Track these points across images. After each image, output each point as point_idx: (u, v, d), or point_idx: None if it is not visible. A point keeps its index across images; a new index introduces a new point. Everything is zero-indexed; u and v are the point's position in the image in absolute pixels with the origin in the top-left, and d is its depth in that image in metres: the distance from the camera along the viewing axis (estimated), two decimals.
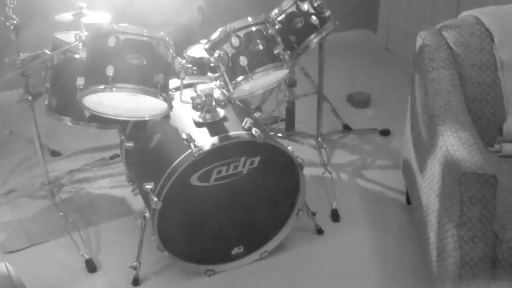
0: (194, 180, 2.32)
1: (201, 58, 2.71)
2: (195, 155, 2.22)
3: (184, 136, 2.32)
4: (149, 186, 2.31)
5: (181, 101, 2.40)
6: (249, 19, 2.39)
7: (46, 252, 2.72)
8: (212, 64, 2.42)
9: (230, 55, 2.36)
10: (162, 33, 2.25)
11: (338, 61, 4.53)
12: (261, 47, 2.38)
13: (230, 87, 2.38)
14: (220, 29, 2.37)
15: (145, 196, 2.40)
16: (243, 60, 2.34)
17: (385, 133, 3.60)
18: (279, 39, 2.46)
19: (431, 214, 2.23)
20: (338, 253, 2.69)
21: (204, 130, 2.39)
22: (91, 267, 2.60)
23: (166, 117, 2.43)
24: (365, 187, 3.14)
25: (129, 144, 2.58)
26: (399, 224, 2.85)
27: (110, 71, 2.15)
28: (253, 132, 2.32)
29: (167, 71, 2.28)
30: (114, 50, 2.17)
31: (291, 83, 3.31)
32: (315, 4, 2.74)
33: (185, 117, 2.48)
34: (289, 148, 2.44)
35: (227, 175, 2.38)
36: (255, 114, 2.63)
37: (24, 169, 3.33)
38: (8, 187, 3.15)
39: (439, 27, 2.59)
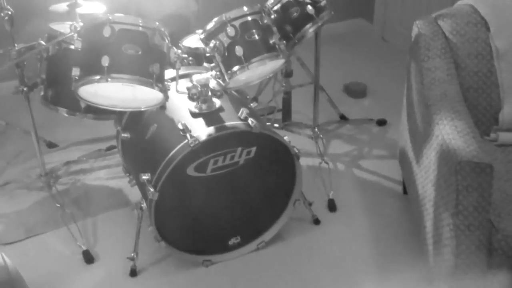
0: (191, 171, 2.32)
1: (197, 49, 2.71)
2: (191, 145, 2.22)
3: (180, 126, 2.32)
4: (145, 177, 2.31)
5: (177, 91, 2.40)
6: (245, 8, 2.38)
7: (43, 243, 2.72)
8: (207, 54, 2.42)
9: (225, 45, 2.36)
10: (157, 23, 2.24)
11: (334, 51, 4.52)
12: (256, 37, 2.37)
13: (226, 77, 2.38)
14: (215, 19, 2.37)
15: (142, 187, 2.40)
16: (238, 50, 2.34)
17: (381, 123, 3.60)
18: (274, 28, 2.46)
19: (427, 203, 2.24)
20: (335, 242, 2.70)
21: (200, 120, 2.39)
22: (88, 258, 2.60)
23: (162, 107, 2.42)
24: (362, 177, 3.14)
25: (125, 135, 2.58)
26: (395, 213, 2.86)
27: (105, 61, 2.14)
28: (250, 122, 2.32)
29: (162, 61, 2.27)
30: (109, 40, 2.17)
31: (287, 73, 3.30)
32: None
33: (181, 107, 2.47)
34: (285, 138, 2.43)
35: (223, 166, 2.38)
36: (252, 104, 2.62)
37: (20, 160, 3.32)
38: (5, 178, 3.14)
39: (435, 16, 2.58)
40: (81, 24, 2.28)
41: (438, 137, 2.11)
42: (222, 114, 2.42)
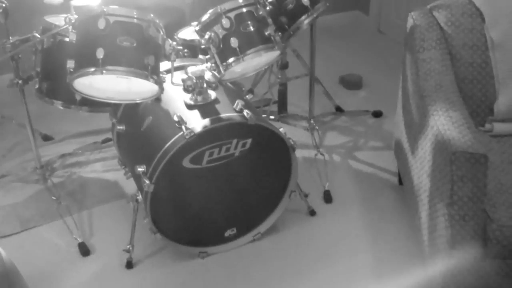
0: (186, 163, 2.32)
1: (192, 40, 2.71)
2: (187, 137, 2.22)
3: (175, 118, 2.31)
4: (141, 169, 2.31)
5: (172, 83, 2.40)
6: (240, 0, 2.38)
7: (39, 236, 2.72)
8: (203, 46, 2.41)
9: (220, 36, 2.36)
10: (152, 15, 2.23)
11: (330, 43, 4.52)
12: (252, 28, 2.37)
13: (221, 69, 2.38)
14: (210, 11, 2.36)
15: (138, 179, 2.40)
16: (234, 42, 2.33)
17: (377, 114, 3.60)
18: (270, 20, 2.45)
19: (423, 194, 2.24)
20: (331, 234, 2.71)
21: (196, 112, 2.39)
22: (84, 250, 2.61)
23: (157, 99, 2.42)
24: (357, 169, 3.15)
25: (121, 128, 2.57)
26: (391, 204, 2.87)
27: (100, 53, 2.13)
28: (245, 114, 2.32)
29: (157, 53, 2.27)
30: (104, 32, 2.16)
31: (283, 65, 3.30)
32: None
33: (176, 99, 2.47)
34: (281, 130, 2.43)
35: (219, 157, 2.38)
36: (247, 96, 2.62)
37: (16, 153, 3.32)
38: (0, 171, 3.14)
39: (430, 7, 2.58)
40: (76, 16, 2.27)
41: (433, 128, 2.11)
42: (217, 106, 2.42)
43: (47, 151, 3.24)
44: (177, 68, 2.45)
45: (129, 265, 2.53)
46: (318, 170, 3.07)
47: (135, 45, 2.18)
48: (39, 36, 2.55)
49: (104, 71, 2.14)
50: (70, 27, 2.26)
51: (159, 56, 2.29)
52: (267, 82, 3.39)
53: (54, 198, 2.84)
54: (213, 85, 2.49)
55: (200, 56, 2.68)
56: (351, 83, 3.95)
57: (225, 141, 2.35)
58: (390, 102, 3.26)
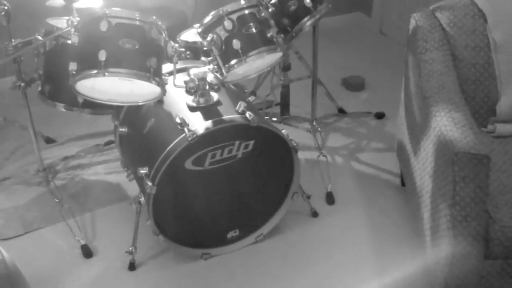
0: (189, 164, 2.32)
1: (194, 42, 2.71)
2: (189, 139, 2.22)
3: (178, 120, 2.32)
4: (143, 171, 2.31)
5: (175, 85, 2.40)
6: (242, 2, 2.38)
7: (41, 238, 2.73)
8: (205, 48, 2.41)
9: (223, 38, 2.35)
10: (154, 17, 2.24)
11: (332, 45, 4.52)
12: (254, 30, 2.37)
13: (223, 70, 2.38)
14: (212, 13, 2.36)
15: (140, 181, 2.40)
16: (236, 44, 2.33)
17: (379, 116, 3.60)
18: (272, 22, 2.45)
19: (425, 195, 2.24)
20: (333, 235, 2.70)
21: (198, 114, 2.39)
22: (87, 252, 2.61)
23: (160, 101, 2.42)
24: (360, 170, 3.15)
25: (123, 130, 2.57)
26: (393, 206, 2.86)
27: (102, 55, 2.14)
28: (247, 115, 2.32)
29: (160, 55, 2.27)
30: (106, 34, 2.16)
31: (285, 67, 3.30)
32: None
33: (178, 101, 2.47)
34: (283, 131, 2.43)
35: (221, 159, 2.38)
36: (250, 98, 2.62)
37: (18, 156, 3.32)
38: (3, 174, 3.14)
39: (433, 8, 2.58)
40: (78, 18, 2.27)
41: (435, 129, 2.11)
42: (219, 108, 2.42)
43: (49, 153, 3.24)
44: (180, 70, 2.45)
45: (132, 267, 2.53)
46: (321, 172, 3.07)
47: (137, 47, 2.18)
48: (41, 39, 2.56)
49: (106, 73, 2.14)
50: (72, 30, 2.26)
51: (162, 58, 2.29)
52: (270, 84, 3.38)
53: (57, 200, 2.84)
54: (216, 87, 2.49)
55: (203, 58, 2.68)
56: (354, 85, 3.94)
57: (227, 143, 2.35)
58: (393, 103, 3.26)
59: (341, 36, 4.75)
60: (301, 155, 3.08)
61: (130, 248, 2.52)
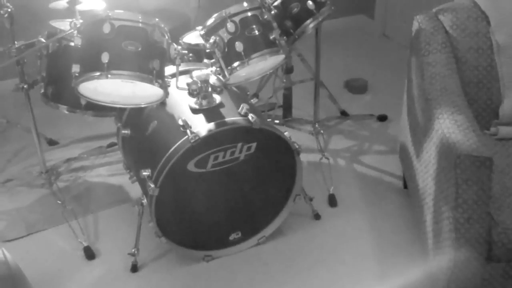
0: (191, 166, 2.32)
1: (197, 45, 2.71)
2: (192, 141, 2.22)
3: (180, 122, 2.32)
4: (146, 173, 2.31)
5: (177, 87, 2.40)
6: (245, 4, 2.38)
7: (44, 240, 2.73)
8: (208, 50, 2.42)
9: (225, 40, 2.36)
10: (157, 19, 2.24)
11: (335, 47, 4.52)
12: (257, 32, 2.37)
13: (226, 73, 2.38)
14: (215, 15, 2.37)
15: (142, 183, 2.41)
16: (239, 46, 2.34)
17: (382, 118, 3.60)
18: (275, 24, 2.45)
19: (427, 197, 2.24)
20: (335, 237, 2.70)
21: (201, 116, 2.39)
22: (90, 254, 2.61)
23: (162, 104, 2.43)
24: (362, 172, 3.14)
25: (126, 132, 2.58)
26: (396, 208, 2.86)
27: (105, 58, 2.14)
28: (250, 117, 2.32)
29: (162, 57, 2.27)
30: (109, 36, 2.17)
31: (288, 70, 3.31)
32: None
33: (181, 103, 2.48)
34: (286, 134, 2.44)
35: (224, 161, 2.38)
36: (252, 100, 2.63)
37: (21, 158, 3.33)
38: (6, 176, 3.15)
39: (436, 10, 2.58)
40: (81, 21, 2.28)
41: (438, 131, 2.11)
42: (222, 110, 2.42)
43: (52, 155, 3.25)
44: (182, 72, 2.45)
45: (134, 268, 2.53)
46: (323, 174, 3.07)
47: (140, 49, 2.19)
48: (44, 41, 2.56)
49: (109, 76, 2.15)
50: (75, 32, 2.27)
51: (164, 61, 2.29)
52: (272, 86, 3.39)
53: (60, 202, 2.84)
54: (218, 89, 2.49)
55: (205, 60, 2.68)
56: (356, 87, 3.94)
57: (230, 145, 2.35)
58: (395, 106, 3.26)
59: (344, 39, 4.76)
60: (304, 157, 3.07)
61: (133, 250, 2.52)
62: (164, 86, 2.27)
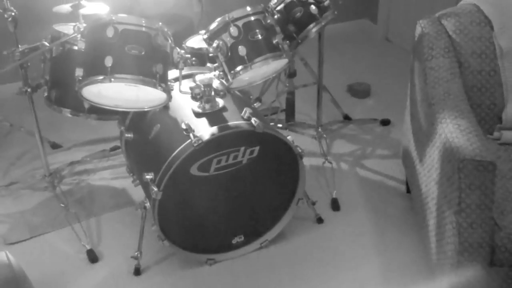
0: (194, 170, 2.33)
1: (200, 49, 2.72)
2: (195, 145, 2.23)
3: (183, 126, 2.32)
4: (149, 176, 2.31)
5: (180, 91, 2.40)
6: (248, 8, 2.39)
7: (47, 243, 2.73)
8: (211, 54, 2.42)
9: (229, 45, 2.36)
10: (160, 24, 2.25)
11: (338, 52, 4.53)
12: (260, 36, 2.38)
13: (229, 77, 2.38)
14: (218, 19, 2.37)
15: (146, 186, 2.41)
16: (242, 50, 2.34)
17: (385, 123, 3.60)
18: (278, 28, 2.46)
19: (430, 202, 2.24)
20: (338, 241, 2.70)
21: (203, 120, 2.39)
22: (93, 257, 2.61)
23: (165, 107, 2.43)
24: (365, 177, 3.14)
25: (129, 135, 2.58)
26: (399, 212, 2.86)
27: (108, 61, 2.15)
28: (253, 121, 2.32)
29: (165, 61, 2.28)
30: (113, 40, 2.18)
31: (291, 74, 3.31)
32: None
33: (184, 107, 2.48)
34: (289, 138, 2.44)
35: (227, 165, 2.38)
36: (255, 104, 2.63)
37: (25, 161, 3.33)
38: (9, 179, 3.15)
39: (439, 15, 2.58)
40: (85, 24, 2.29)
41: (441, 135, 2.11)
42: (225, 114, 2.43)
43: (55, 158, 3.26)
44: (185, 76, 2.46)
45: (137, 272, 2.53)
46: (326, 178, 3.07)
47: (143, 53, 2.19)
48: (48, 45, 2.57)
49: (112, 79, 2.15)
50: (79, 36, 2.28)
51: (167, 64, 2.30)
52: (275, 90, 3.39)
53: (63, 205, 2.85)
54: (221, 93, 2.50)
55: (208, 64, 2.69)
56: (359, 92, 3.95)
57: (233, 148, 2.35)
58: (398, 110, 3.26)
59: (347, 43, 4.77)
60: (306, 161, 3.08)
61: (136, 253, 2.52)
62: (167, 90, 2.27)
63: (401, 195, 2.97)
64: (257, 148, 2.40)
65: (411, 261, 2.55)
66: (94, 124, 3.02)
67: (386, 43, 4.81)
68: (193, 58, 2.67)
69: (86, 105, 2.56)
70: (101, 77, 2.16)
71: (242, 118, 2.37)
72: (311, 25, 2.72)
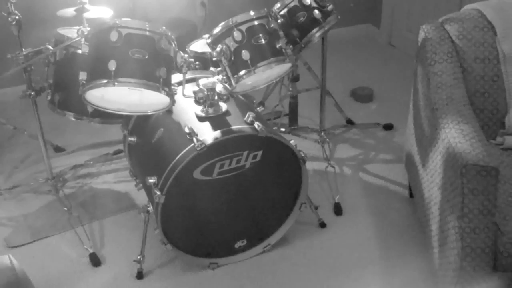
0: (197, 174, 2.33)
1: (203, 53, 2.72)
2: (198, 149, 2.23)
3: (186, 130, 2.33)
4: (152, 180, 2.32)
5: (184, 95, 2.41)
6: (251, 13, 2.39)
7: (50, 246, 2.74)
8: (214, 59, 2.42)
9: (232, 49, 2.36)
10: (164, 28, 2.25)
11: (341, 56, 4.53)
12: (263, 41, 2.38)
13: (232, 81, 2.39)
14: (222, 23, 2.37)
15: (148, 190, 2.41)
16: (245, 54, 2.34)
17: (388, 127, 3.60)
18: (281, 33, 2.46)
19: (433, 207, 2.24)
20: (341, 246, 2.70)
21: (207, 124, 2.40)
22: (95, 261, 2.61)
23: (169, 111, 2.44)
24: (368, 181, 3.14)
25: (132, 139, 2.59)
26: (401, 217, 2.86)
27: (112, 65, 2.15)
28: (256, 126, 2.32)
29: (169, 65, 2.28)
30: (116, 44, 2.18)
31: (294, 78, 3.31)
32: None
33: (187, 111, 2.48)
34: (291, 142, 2.44)
35: (230, 169, 2.38)
36: (258, 108, 2.63)
37: (28, 164, 3.34)
38: (13, 182, 3.16)
39: (442, 20, 2.59)
40: (88, 28, 2.30)
41: (444, 140, 2.11)
42: (228, 118, 2.43)
43: (58, 162, 3.26)
44: (189, 80, 2.47)
45: (140, 275, 2.54)
46: (329, 183, 3.07)
47: (147, 57, 2.20)
48: (51, 48, 2.58)
49: (116, 83, 2.16)
50: (83, 39, 2.29)
51: (171, 68, 2.30)
52: (278, 95, 3.40)
53: (66, 208, 2.85)
54: (224, 97, 2.50)
55: (212, 69, 2.69)
56: (362, 96, 3.95)
57: (236, 153, 2.35)
58: (401, 115, 3.26)
59: (350, 48, 4.77)
60: (309, 165, 3.08)
61: (138, 257, 2.52)
62: (171, 94, 2.28)
63: (404, 200, 2.97)
64: (260, 152, 2.40)
65: (414, 266, 2.55)
66: (98, 128, 3.02)
67: (389, 48, 4.81)
68: (197, 62, 2.67)
69: (90, 109, 2.56)
70: (104, 81, 2.17)
71: (245, 122, 2.37)
72: (315, 30, 2.73)
